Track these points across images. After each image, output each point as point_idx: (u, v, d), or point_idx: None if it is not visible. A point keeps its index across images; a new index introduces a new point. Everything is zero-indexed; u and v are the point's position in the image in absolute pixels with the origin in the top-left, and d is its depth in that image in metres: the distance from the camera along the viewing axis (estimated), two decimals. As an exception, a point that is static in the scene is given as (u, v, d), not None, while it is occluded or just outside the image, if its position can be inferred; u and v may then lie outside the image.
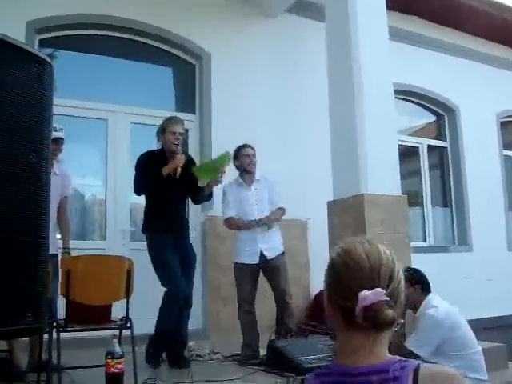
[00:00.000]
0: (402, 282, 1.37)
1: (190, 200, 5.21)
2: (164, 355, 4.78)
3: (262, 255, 4.96)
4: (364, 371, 1.28)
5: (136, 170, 4.84)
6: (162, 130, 4.87)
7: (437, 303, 3.97)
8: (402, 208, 5.61)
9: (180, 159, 4.70)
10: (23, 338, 4.24)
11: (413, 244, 8.03)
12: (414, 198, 8.80)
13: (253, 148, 5.18)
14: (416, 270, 4.20)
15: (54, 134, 4.51)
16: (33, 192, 1.71)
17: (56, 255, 4.58)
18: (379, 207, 5.37)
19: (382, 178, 5.45)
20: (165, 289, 4.65)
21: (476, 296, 7.78)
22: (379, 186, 5.42)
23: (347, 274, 1.34)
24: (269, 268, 4.99)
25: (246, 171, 5.12)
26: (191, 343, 5.50)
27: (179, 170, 4.68)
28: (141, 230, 5.02)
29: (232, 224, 5.12)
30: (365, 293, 1.26)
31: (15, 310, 1.64)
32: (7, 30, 5.53)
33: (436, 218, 8.92)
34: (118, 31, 6.73)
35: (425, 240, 8.65)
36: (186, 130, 7.01)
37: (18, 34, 5.79)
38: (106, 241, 6.36)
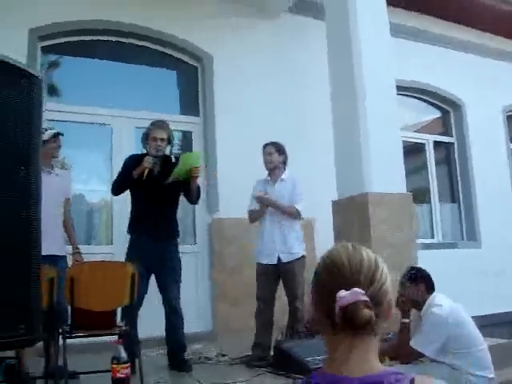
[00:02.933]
0: (387, 284, 1.34)
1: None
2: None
3: (279, 258, 4.98)
4: (358, 382, 1.25)
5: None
6: (146, 136, 4.90)
7: (440, 301, 3.94)
8: (407, 206, 5.61)
9: (147, 161, 4.64)
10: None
11: (421, 241, 8.06)
12: (421, 195, 8.77)
13: (277, 145, 5.21)
14: (419, 269, 4.18)
15: (50, 133, 4.67)
16: (23, 205, 1.72)
17: (65, 257, 4.71)
18: (384, 206, 5.37)
19: (386, 176, 5.44)
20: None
21: (485, 292, 7.76)
22: (384, 185, 5.41)
23: (328, 276, 1.33)
24: (284, 271, 4.99)
25: (269, 170, 5.22)
26: (198, 346, 5.53)
27: (146, 171, 4.62)
28: None
29: (251, 215, 5.20)
30: (342, 293, 1.25)
31: (7, 323, 1.65)
32: (10, 38, 5.65)
33: (444, 214, 8.87)
34: (120, 36, 6.76)
35: (433, 236, 8.61)
36: (189, 132, 7.08)
37: (20, 42, 5.90)
38: (112, 245, 6.38)
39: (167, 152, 4.98)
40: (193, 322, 6.39)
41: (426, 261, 6.97)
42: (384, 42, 5.82)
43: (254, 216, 5.18)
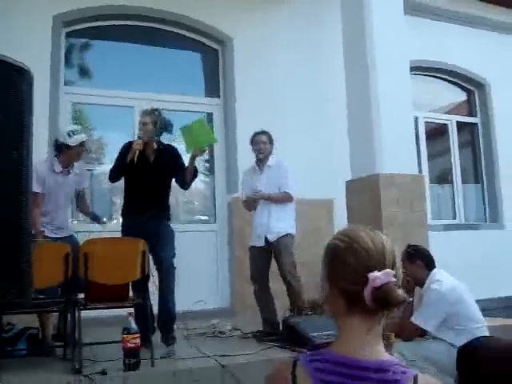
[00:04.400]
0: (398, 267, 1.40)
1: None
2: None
3: (266, 238, 5.15)
4: (363, 365, 1.29)
5: None
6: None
7: (441, 278, 4.01)
8: (419, 187, 5.66)
9: (136, 143, 4.80)
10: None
11: (442, 221, 8.08)
12: (444, 176, 8.77)
13: (267, 134, 5.30)
14: (415, 247, 4.24)
15: (78, 138, 4.83)
16: (15, 183, 1.90)
17: (72, 236, 5.08)
18: (395, 186, 5.44)
19: (398, 158, 5.50)
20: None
21: (506, 273, 7.74)
22: (395, 165, 5.47)
23: (355, 258, 1.35)
24: (274, 250, 5.17)
25: (258, 159, 5.30)
26: (215, 321, 5.72)
27: (136, 153, 4.75)
28: None
29: (246, 205, 5.39)
30: (375, 274, 1.29)
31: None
32: (35, 25, 5.85)
33: (467, 195, 8.83)
34: (142, 20, 6.93)
35: (455, 217, 8.60)
36: (211, 114, 7.20)
37: (45, 28, 6.08)
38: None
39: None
40: (212, 298, 6.62)
41: (446, 241, 7.06)
42: (397, 22, 5.84)
43: (248, 207, 5.36)
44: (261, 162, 5.31)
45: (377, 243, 1.37)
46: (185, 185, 5.14)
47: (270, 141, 5.29)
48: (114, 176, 5.05)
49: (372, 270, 1.30)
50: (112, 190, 6.97)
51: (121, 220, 5.14)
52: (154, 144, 4.91)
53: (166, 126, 5.02)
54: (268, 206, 5.18)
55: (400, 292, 1.28)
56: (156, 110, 5.05)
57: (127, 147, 4.93)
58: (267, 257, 5.21)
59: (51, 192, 4.86)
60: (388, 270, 1.30)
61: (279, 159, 5.37)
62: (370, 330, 1.33)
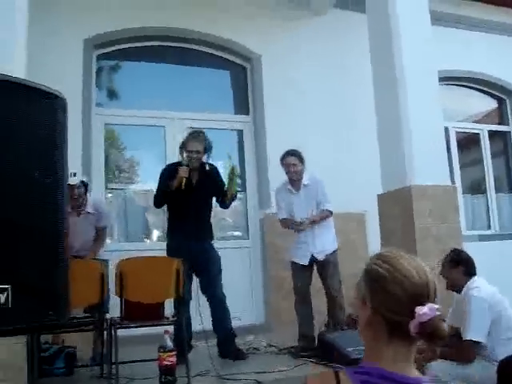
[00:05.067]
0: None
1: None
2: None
3: (312, 257, 5.21)
4: (403, 380, 1.34)
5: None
6: (183, 146, 5.12)
7: (479, 284, 3.94)
8: (451, 197, 5.59)
9: (183, 171, 4.86)
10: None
11: (476, 232, 7.97)
12: (477, 186, 8.67)
13: (297, 155, 5.27)
14: (460, 252, 4.18)
15: (75, 179, 4.93)
16: (50, 207, 1.95)
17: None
18: (427, 198, 5.38)
19: (429, 169, 5.44)
20: None
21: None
22: (427, 177, 5.41)
23: (399, 289, 1.38)
24: (319, 265, 5.25)
25: (290, 179, 5.33)
26: (250, 337, 5.73)
27: (184, 180, 4.83)
28: None
29: (284, 224, 5.42)
30: (422, 310, 1.33)
31: (38, 309, 1.88)
32: (66, 49, 6.00)
33: (501, 204, 8.69)
34: (170, 41, 7.04)
35: (489, 228, 8.48)
36: (241, 131, 7.26)
37: (76, 52, 6.25)
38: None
39: (205, 160, 5.17)
40: (247, 315, 6.62)
41: (482, 252, 6.93)
42: (424, 32, 5.79)
43: (287, 225, 5.38)
44: (295, 182, 5.32)
45: (421, 273, 1.40)
46: (224, 205, 5.25)
47: (301, 160, 5.27)
48: (158, 202, 5.16)
49: (417, 302, 1.34)
50: (146, 209, 7.07)
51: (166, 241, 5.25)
52: (186, 168, 4.95)
53: (211, 148, 5.12)
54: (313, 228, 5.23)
55: (444, 326, 1.34)
56: (202, 132, 5.14)
57: (171, 171, 5.00)
58: (310, 272, 5.28)
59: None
60: (433, 305, 1.34)
61: (312, 175, 5.38)
62: (408, 355, 1.39)
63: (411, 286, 1.37)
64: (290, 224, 5.31)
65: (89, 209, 5.20)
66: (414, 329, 1.33)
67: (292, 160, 5.23)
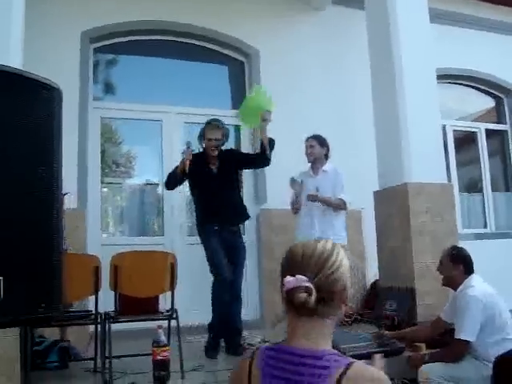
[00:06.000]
0: (340, 272, 1.50)
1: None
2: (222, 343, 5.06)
3: None
4: (299, 352, 1.45)
5: None
6: (202, 136, 5.22)
7: (475, 283, 3.93)
8: (448, 195, 5.60)
9: (187, 155, 4.95)
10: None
11: (473, 230, 7.98)
12: (473, 184, 8.67)
13: (318, 138, 5.43)
14: (460, 249, 4.17)
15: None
16: (45, 199, 1.93)
17: None
18: (424, 196, 5.39)
19: (426, 166, 5.44)
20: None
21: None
22: (424, 175, 5.42)
23: (284, 262, 1.55)
24: None
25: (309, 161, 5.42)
26: (245, 333, 5.71)
27: (187, 164, 4.91)
28: None
29: (292, 205, 5.45)
30: (288, 278, 1.44)
31: (30, 302, 1.86)
32: (63, 41, 5.97)
33: (497, 203, 8.69)
34: (168, 35, 7.01)
35: (485, 226, 8.48)
36: (238, 126, 7.23)
37: (73, 44, 6.21)
38: (163, 236, 6.64)
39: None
40: (242, 310, 6.60)
41: (478, 251, 6.92)
42: (423, 30, 5.80)
43: (296, 207, 5.38)
44: (315, 165, 5.40)
45: (307, 250, 1.52)
46: (265, 161, 5.27)
47: (322, 144, 5.39)
48: (167, 183, 5.28)
49: (291, 275, 1.45)
50: (142, 203, 7.06)
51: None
52: (189, 151, 5.04)
53: (228, 134, 5.31)
54: (318, 213, 5.24)
55: (301, 296, 1.42)
56: (218, 120, 5.26)
57: (197, 158, 5.08)
58: None
59: None
60: (299, 276, 1.44)
61: (336, 166, 5.43)
62: (302, 326, 1.48)
63: (292, 260, 1.51)
64: (294, 200, 5.36)
65: None
66: (283, 297, 1.47)
67: (311, 141, 5.40)
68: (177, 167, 5.09)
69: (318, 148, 5.34)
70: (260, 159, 5.25)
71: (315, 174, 5.37)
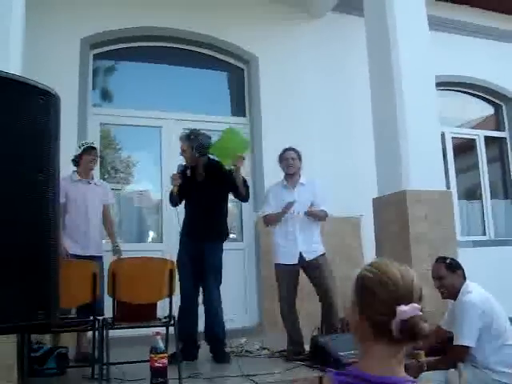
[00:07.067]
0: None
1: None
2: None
3: (301, 256, 5.06)
4: (380, 381, 1.41)
5: None
6: None
7: (472, 289, 3.94)
8: (447, 203, 5.61)
9: (175, 181, 5.00)
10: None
11: (472, 238, 7.98)
12: (472, 192, 8.67)
13: (296, 151, 5.26)
14: (451, 257, 4.20)
15: (83, 147, 5.09)
16: (41, 204, 1.92)
17: (101, 257, 5.09)
18: (423, 203, 5.39)
19: (425, 174, 5.45)
20: None
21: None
22: (423, 182, 5.43)
23: (384, 290, 1.45)
24: (310, 267, 5.08)
25: (287, 174, 5.25)
26: (243, 340, 5.70)
27: (175, 190, 5.01)
28: None
29: (269, 219, 5.22)
30: (403, 307, 1.39)
31: (27, 309, 1.85)
32: (63, 47, 5.98)
33: (496, 211, 8.69)
34: (167, 41, 7.04)
35: (484, 234, 8.48)
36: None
37: (73, 51, 6.22)
38: (162, 243, 6.63)
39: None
40: (240, 317, 6.60)
41: (477, 258, 6.95)
42: (422, 37, 5.82)
43: (271, 221, 5.21)
44: (291, 178, 5.25)
45: (406, 277, 1.47)
46: (240, 197, 5.21)
47: (299, 157, 5.26)
48: (170, 201, 5.23)
49: (400, 303, 1.40)
50: (141, 210, 7.06)
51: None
52: (202, 165, 5.08)
53: (207, 146, 5.08)
54: (300, 222, 5.09)
55: (425, 325, 1.39)
56: (191, 133, 5.14)
57: (182, 172, 5.09)
58: (297, 275, 5.14)
59: (78, 201, 5.02)
60: (414, 305, 1.40)
61: (311, 177, 5.35)
62: (394, 356, 1.44)
63: (395, 288, 1.44)
64: (275, 215, 5.11)
65: (96, 181, 5.35)
66: (395, 326, 1.38)
67: (292, 154, 5.23)
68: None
69: (297, 161, 5.24)
70: (235, 193, 5.16)
71: (292, 187, 5.25)
